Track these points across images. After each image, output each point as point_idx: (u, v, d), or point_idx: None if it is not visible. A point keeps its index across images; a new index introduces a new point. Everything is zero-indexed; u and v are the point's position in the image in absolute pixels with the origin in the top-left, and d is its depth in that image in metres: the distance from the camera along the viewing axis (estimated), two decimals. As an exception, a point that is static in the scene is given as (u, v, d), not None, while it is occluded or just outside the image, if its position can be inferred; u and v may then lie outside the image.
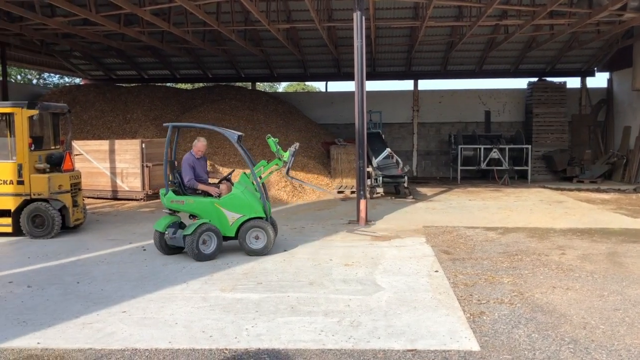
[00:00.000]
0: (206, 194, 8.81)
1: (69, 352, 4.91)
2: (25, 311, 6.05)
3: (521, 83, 29.54)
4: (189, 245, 8.27)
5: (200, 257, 8.31)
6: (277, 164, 9.14)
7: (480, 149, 19.79)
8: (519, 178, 20.63)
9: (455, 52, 20.89)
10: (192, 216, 8.81)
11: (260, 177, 8.95)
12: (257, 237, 8.64)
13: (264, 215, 8.75)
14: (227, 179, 9.48)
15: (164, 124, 9.28)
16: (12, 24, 16.10)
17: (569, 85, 22.21)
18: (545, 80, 22.63)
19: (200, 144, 9.08)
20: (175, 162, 9.19)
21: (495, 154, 19.52)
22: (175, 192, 8.80)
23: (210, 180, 9.34)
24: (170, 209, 8.81)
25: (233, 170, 10.52)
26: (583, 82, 23.21)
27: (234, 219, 8.60)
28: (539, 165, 21.34)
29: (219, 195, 8.74)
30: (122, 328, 5.47)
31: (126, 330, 5.41)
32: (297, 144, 9.40)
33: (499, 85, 25.34)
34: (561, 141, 21.47)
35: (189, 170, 8.80)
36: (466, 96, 23.70)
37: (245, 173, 9.04)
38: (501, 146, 19.74)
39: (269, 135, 9.41)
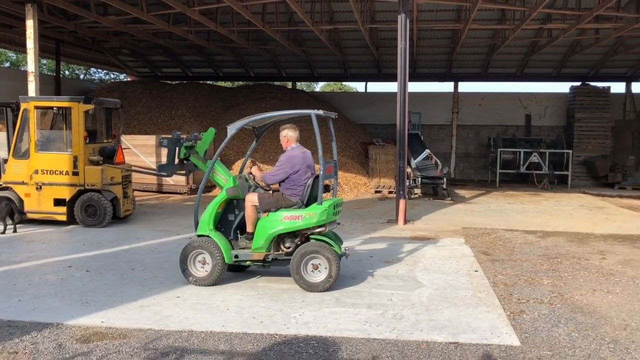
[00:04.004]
0: None
1: (131, 331, 5.27)
2: (86, 293, 6.46)
3: (563, 87, 29.18)
4: None
5: None
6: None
7: (520, 152, 19.70)
8: (559, 183, 20.41)
9: (497, 54, 20.82)
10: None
11: None
12: None
13: None
14: None
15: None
16: (68, 21, 16.86)
17: (613, 90, 21.90)
18: (588, 84, 22.36)
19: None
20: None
21: (535, 158, 19.43)
22: None
23: None
24: None
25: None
26: (628, 87, 22.89)
27: None
28: (580, 171, 21.08)
29: None
30: (177, 312, 5.81)
31: (182, 314, 5.74)
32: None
33: (540, 89, 25.15)
34: (603, 147, 21.18)
35: None
36: (507, 99, 23.56)
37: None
38: (541, 150, 19.62)
39: (212, 127, 7.64)
